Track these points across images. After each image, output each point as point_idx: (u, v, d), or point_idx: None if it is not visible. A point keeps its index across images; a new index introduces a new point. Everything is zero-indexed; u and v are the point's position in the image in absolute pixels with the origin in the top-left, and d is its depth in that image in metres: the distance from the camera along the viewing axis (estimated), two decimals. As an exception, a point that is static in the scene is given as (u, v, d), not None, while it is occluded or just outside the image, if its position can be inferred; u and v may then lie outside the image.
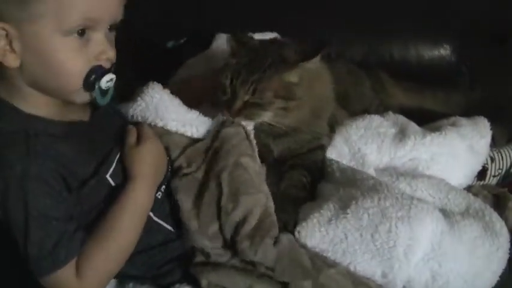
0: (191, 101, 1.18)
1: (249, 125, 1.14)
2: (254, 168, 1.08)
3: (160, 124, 1.11)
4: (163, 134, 1.11)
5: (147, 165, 1.01)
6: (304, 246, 1.04)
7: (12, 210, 0.88)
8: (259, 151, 1.14)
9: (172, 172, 1.10)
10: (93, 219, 0.98)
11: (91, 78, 0.92)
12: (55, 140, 0.92)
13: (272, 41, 1.22)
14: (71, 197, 0.93)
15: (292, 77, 1.12)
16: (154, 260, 1.06)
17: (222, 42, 1.45)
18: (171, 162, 1.10)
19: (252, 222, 1.01)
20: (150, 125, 1.11)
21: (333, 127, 1.25)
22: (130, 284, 1.07)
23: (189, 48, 1.51)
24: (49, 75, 0.91)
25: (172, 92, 1.17)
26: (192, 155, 1.10)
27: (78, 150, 0.95)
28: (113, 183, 0.99)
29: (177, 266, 1.06)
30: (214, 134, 1.11)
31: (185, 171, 1.08)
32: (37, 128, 0.92)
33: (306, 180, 1.16)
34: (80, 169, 0.95)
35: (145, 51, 1.57)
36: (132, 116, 1.13)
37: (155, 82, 1.15)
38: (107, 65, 0.94)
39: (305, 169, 1.18)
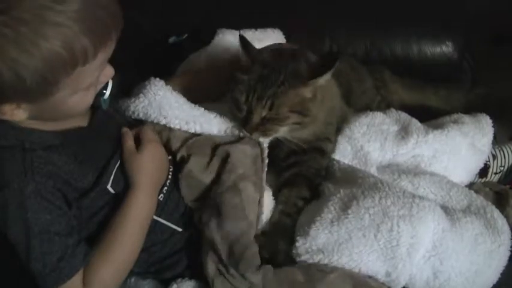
0: (201, 91, 1.18)
1: (265, 142, 1.14)
2: (250, 193, 1.07)
3: (163, 122, 1.11)
4: (163, 129, 1.11)
5: (149, 172, 1.01)
6: (296, 262, 1.04)
7: (12, 228, 0.88)
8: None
9: (176, 165, 1.10)
10: (93, 226, 0.98)
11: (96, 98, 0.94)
12: (52, 152, 0.92)
13: (282, 52, 1.19)
14: (71, 210, 0.93)
15: (307, 92, 1.11)
16: (156, 256, 1.06)
17: (223, 37, 1.44)
18: (173, 153, 1.10)
19: (227, 248, 1.00)
20: (152, 122, 1.10)
21: (339, 129, 1.24)
22: (132, 279, 1.07)
23: (191, 44, 1.50)
24: (57, 116, 0.92)
25: (181, 82, 1.18)
26: (193, 146, 1.10)
27: (76, 160, 0.95)
28: (113, 192, 0.99)
29: (180, 259, 1.07)
30: (231, 141, 1.12)
31: (186, 168, 1.07)
32: (33, 141, 0.91)
33: (302, 203, 1.14)
34: (79, 181, 0.95)
35: (147, 46, 1.57)
36: (133, 112, 1.12)
37: (157, 78, 1.14)
38: (107, 80, 0.95)
39: (307, 183, 1.16)
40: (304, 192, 1.14)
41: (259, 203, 1.09)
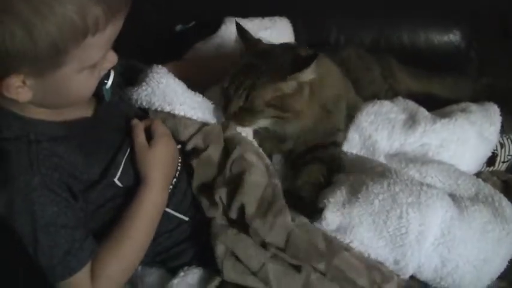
0: (203, 78, 1.18)
1: (249, 131, 1.15)
2: (258, 164, 1.08)
3: (167, 109, 1.10)
4: (168, 117, 1.10)
5: (162, 168, 1.01)
6: (320, 229, 1.04)
7: (19, 221, 0.87)
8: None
9: (186, 154, 1.10)
10: (100, 218, 0.98)
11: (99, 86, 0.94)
12: (57, 144, 0.91)
13: (281, 45, 1.19)
14: (77, 203, 0.92)
15: (286, 88, 1.10)
16: (163, 245, 1.06)
17: (230, 26, 1.44)
18: (182, 144, 1.10)
19: (253, 203, 1.01)
20: (156, 110, 1.10)
21: (351, 117, 1.24)
22: (139, 268, 1.07)
23: (198, 32, 1.49)
24: (61, 100, 0.91)
25: (182, 68, 1.18)
26: (209, 135, 1.10)
27: (82, 152, 0.94)
28: (120, 185, 0.99)
29: (186, 248, 1.07)
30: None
31: (204, 154, 1.07)
32: (38, 131, 0.90)
33: (323, 179, 1.15)
34: (84, 173, 0.94)
35: (154, 35, 1.56)
36: (137, 100, 1.11)
37: (159, 66, 1.14)
38: (111, 65, 0.94)
39: (324, 163, 1.17)
40: (323, 170, 1.15)
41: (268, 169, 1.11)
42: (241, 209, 1.00)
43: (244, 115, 1.11)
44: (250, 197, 1.00)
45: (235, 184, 1.03)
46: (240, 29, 1.17)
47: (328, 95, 1.19)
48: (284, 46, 1.18)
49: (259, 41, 1.19)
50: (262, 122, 1.13)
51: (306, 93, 1.12)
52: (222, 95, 1.13)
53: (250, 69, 1.09)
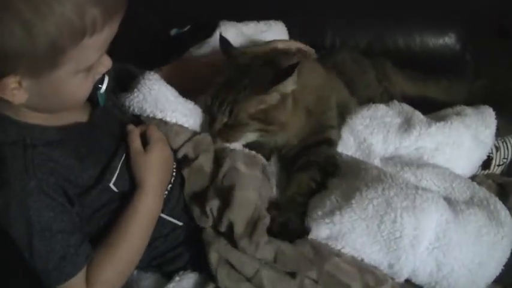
0: (195, 82, 1.18)
1: (238, 144, 1.14)
2: (250, 173, 1.08)
3: (159, 116, 1.10)
4: (159, 124, 1.10)
5: (158, 173, 1.01)
6: (306, 239, 1.04)
7: (14, 226, 0.87)
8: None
9: (177, 161, 1.09)
10: (95, 223, 0.98)
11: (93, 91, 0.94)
12: (52, 149, 0.91)
13: (259, 57, 1.18)
14: (74, 208, 0.92)
15: (270, 99, 1.10)
16: (158, 250, 1.06)
17: (225, 30, 1.44)
18: (173, 151, 1.09)
19: (242, 223, 1.00)
20: (148, 117, 1.10)
21: (343, 116, 1.24)
22: (135, 272, 1.07)
23: (193, 36, 1.50)
24: (56, 104, 0.91)
25: (175, 70, 1.19)
26: (200, 145, 1.09)
27: (77, 156, 0.94)
28: (116, 190, 0.98)
29: (181, 253, 1.07)
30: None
31: (196, 163, 1.07)
32: (34, 136, 0.90)
33: (314, 184, 1.14)
34: (80, 177, 0.94)
35: (148, 39, 1.56)
36: (129, 107, 1.11)
37: (152, 72, 1.14)
38: (106, 70, 0.94)
39: (318, 167, 1.16)
40: (316, 176, 1.14)
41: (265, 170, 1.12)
42: (230, 226, 1.00)
43: (229, 131, 1.11)
44: (238, 216, 1.00)
45: (226, 198, 1.02)
46: (223, 41, 1.17)
47: (310, 96, 1.18)
48: (265, 59, 1.17)
49: (241, 54, 1.18)
50: (250, 137, 1.13)
51: (289, 104, 1.12)
52: (206, 112, 1.12)
53: (232, 84, 1.09)
